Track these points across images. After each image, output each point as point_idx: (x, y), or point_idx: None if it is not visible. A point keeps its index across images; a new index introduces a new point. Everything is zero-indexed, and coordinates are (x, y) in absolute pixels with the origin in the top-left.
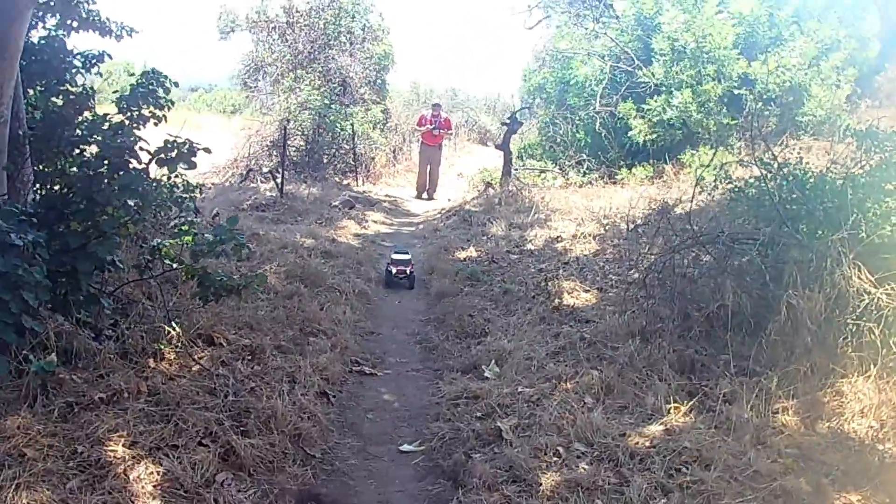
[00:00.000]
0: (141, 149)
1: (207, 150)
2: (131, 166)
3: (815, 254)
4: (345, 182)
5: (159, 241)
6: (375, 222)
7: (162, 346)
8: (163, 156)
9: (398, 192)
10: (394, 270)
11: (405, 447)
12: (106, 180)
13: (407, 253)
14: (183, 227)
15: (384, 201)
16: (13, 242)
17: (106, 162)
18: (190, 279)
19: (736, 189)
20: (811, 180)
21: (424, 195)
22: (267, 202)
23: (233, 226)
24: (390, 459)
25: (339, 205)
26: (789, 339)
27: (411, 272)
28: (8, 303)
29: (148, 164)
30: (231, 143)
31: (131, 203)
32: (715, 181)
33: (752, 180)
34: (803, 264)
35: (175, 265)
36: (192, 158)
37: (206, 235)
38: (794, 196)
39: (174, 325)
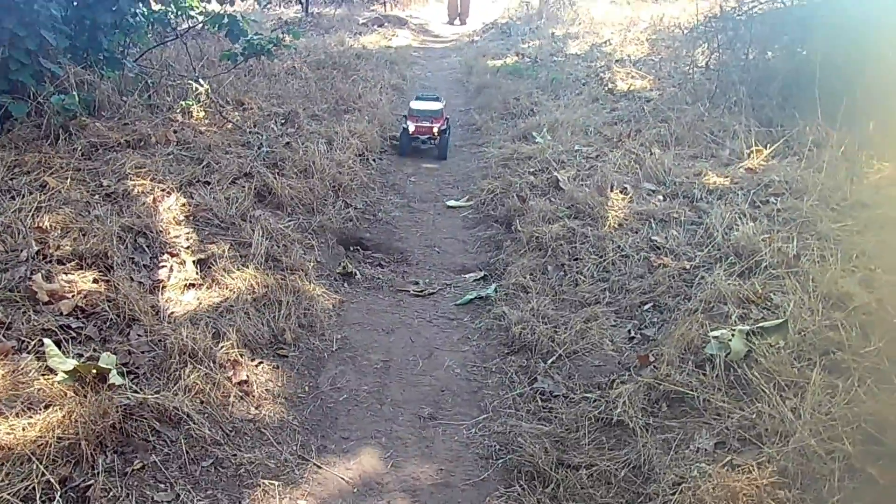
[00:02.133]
0: None
1: None
2: None
3: None
4: (372, 7)
5: None
6: (406, 38)
7: (191, 103)
8: None
9: (429, 16)
10: (412, 128)
11: (452, 202)
12: None
13: (438, 100)
14: None
15: (414, 22)
16: None
17: None
18: (217, 31)
19: None
20: None
21: (456, 21)
22: (291, 21)
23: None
24: (436, 213)
25: (367, 22)
26: (880, 97)
27: (443, 130)
28: (24, 39)
29: None
30: None
31: None
32: None
33: None
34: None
35: (201, 18)
36: None
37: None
38: None
39: (202, 82)
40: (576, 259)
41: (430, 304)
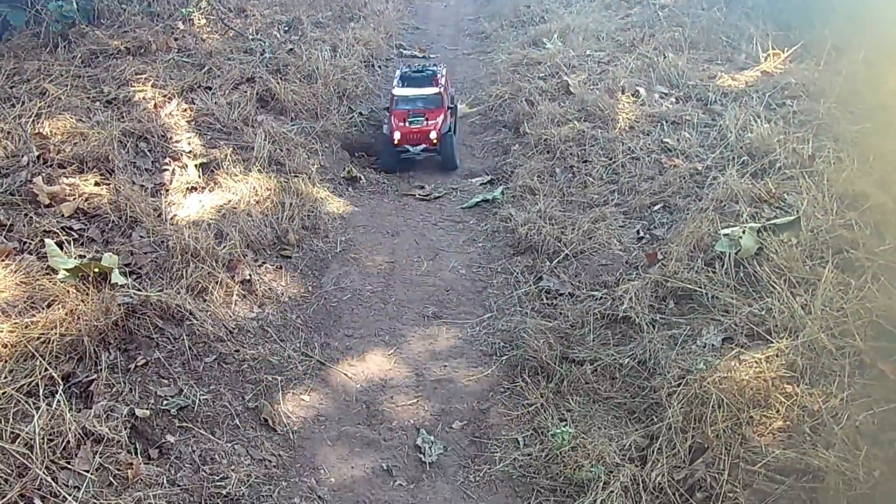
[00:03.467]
0: None
1: None
2: None
3: None
4: None
5: None
6: None
7: (192, 11)
8: None
9: None
10: (396, 136)
11: (459, 108)
12: None
13: (434, 75)
14: None
15: None
16: None
17: None
18: None
19: None
20: None
21: None
22: None
23: None
24: None
25: None
26: None
27: (445, 131)
28: None
29: None
30: None
31: None
32: None
33: None
34: None
35: None
36: None
37: None
38: None
39: None
40: (585, 161)
41: (435, 208)
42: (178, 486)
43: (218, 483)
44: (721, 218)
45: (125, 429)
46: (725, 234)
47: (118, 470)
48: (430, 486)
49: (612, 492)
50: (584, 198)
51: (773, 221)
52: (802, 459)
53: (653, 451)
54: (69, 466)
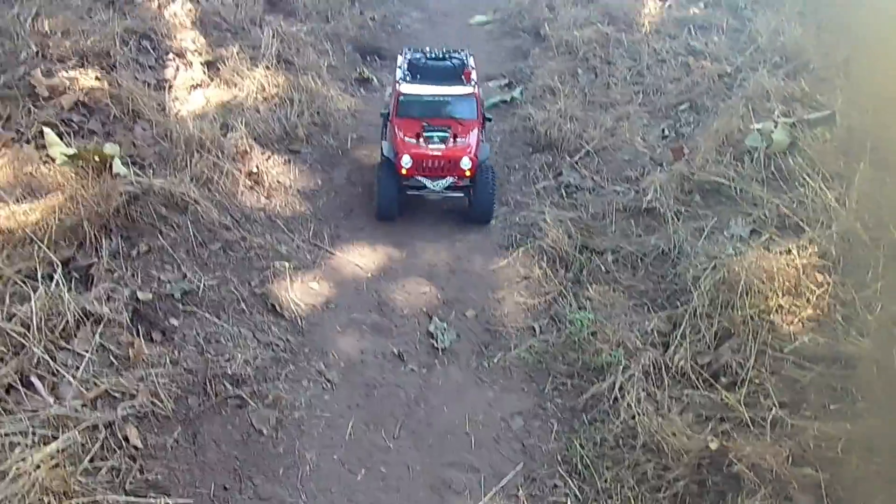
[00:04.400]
0: None
1: None
2: None
3: None
4: None
5: None
6: None
7: None
8: None
9: None
10: (406, 164)
11: (475, 19)
12: None
13: (462, 58)
14: None
15: None
16: None
17: None
18: None
19: None
20: None
21: None
22: None
23: None
24: (460, 28)
25: None
26: None
27: (483, 151)
28: None
29: None
30: None
31: None
32: None
33: None
34: None
35: None
36: None
37: None
38: None
39: None
40: (608, 63)
41: None
42: (182, 366)
43: (223, 364)
44: (752, 115)
45: (127, 311)
46: (757, 129)
47: (119, 350)
48: (442, 371)
49: (632, 375)
50: (606, 98)
51: (807, 117)
52: (834, 347)
53: (676, 337)
54: (68, 346)
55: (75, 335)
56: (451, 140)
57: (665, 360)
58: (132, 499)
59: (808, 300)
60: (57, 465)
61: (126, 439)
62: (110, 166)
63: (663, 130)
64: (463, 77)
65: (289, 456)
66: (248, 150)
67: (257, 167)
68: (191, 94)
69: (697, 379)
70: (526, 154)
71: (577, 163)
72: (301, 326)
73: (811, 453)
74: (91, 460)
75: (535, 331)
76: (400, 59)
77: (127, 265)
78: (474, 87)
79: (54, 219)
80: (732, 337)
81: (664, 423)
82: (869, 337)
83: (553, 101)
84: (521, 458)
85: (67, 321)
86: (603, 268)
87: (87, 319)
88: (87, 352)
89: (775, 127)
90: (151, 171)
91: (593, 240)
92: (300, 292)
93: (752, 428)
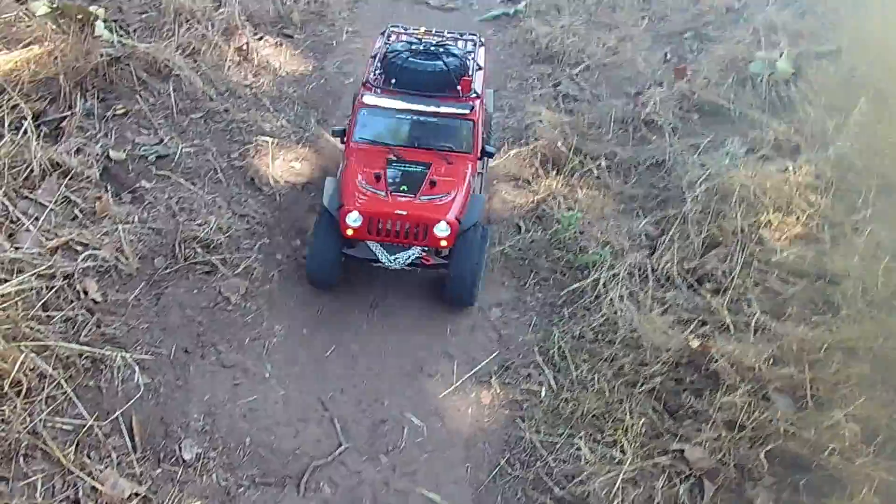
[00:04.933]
0: None
1: None
2: None
3: None
4: None
5: None
6: None
7: None
8: None
9: None
10: (353, 224)
11: None
12: None
13: (461, 54)
14: None
15: None
16: None
17: None
18: None
19: None
20: None
21: None
22: None
23: None
24: None
25: None
26: None
27: (475, 212)
28: None
29: None
30: None
31: None
32: None
33: None
34: None
35: None
36: None
37: None
38: None
39: None
40: None
41: (451, 19)
42: (151, 227)
43: (194, 228)
44: (759, 44)
45: (97, 166)
46: (761, 57)
47: (85, 204)
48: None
49: (616, 273)
50: (611, 20)
51: (814, 50)
52: (820, 263)
53: (664, 241)
54: (30, 196)
55: (39, 186)
56: (427, 187)
57: (651, 262)
58: (86, 348)
59: (797, 218)
60: (6, 307)
61: (85, 292)
62: (93, 27)
63: (665, 54)
64: (459, 87)
65: (256, 327)
66: (240, 26)
67: (247, 44)
68: None
69: (682, 282)
70: (525, 65)
71: (576, 75)
72: (279, 202)
73: (792, 356)
74: (45, 308)
75: (520, 229)
76: (377, 44)
77: (101, 125)
78: (474, 104)
79: (28, 71)
80: (720, 245)
81: (645, 321)
82: (856, 257)
83: (557, 17)
84: (497, 347)
85: (32, 170)
86: (595, 172)
87: (54, 171)
88: (50, 202)
89: (780, 56)
90: (136, 36)
91: (588, 145)
92: (281, 170)
93: (733, 331)
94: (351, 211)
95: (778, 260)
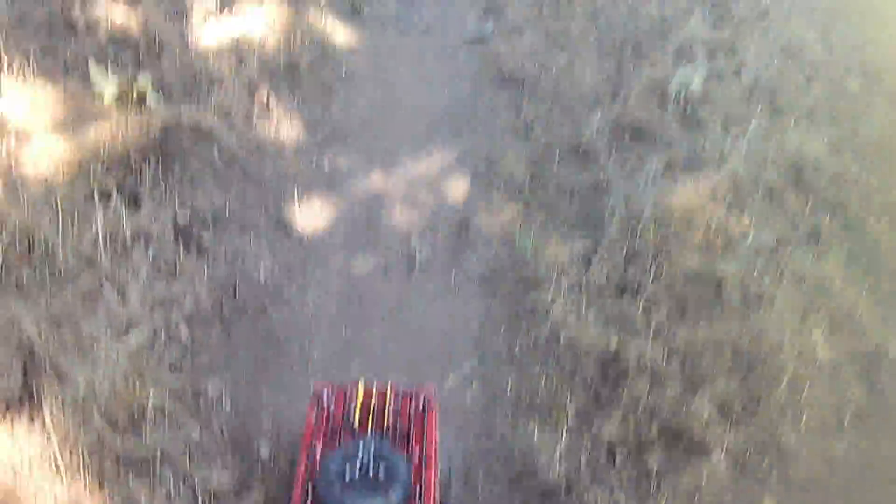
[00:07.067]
0: None
1: None
2: None
3: None
4: None
5: None
6: None
7: None
8: None
9: None
10: None
11: None
12: None
13: (393, 465)
14: None
15: None
16: None
17: None
18: None
19: None
20: None
21: None
22: None
23: None
24: None
25: None
26: None
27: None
28: None
29: None
30: None
31: None
32: None
33: None
34: None
35: None
36: None
37: None
38: None
39: None
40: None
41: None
42: (214, 279)
43: (247, 276)
44: (679, 61)
45: (171, 230)
46: (680, 73)
47: (166, 265)
48: (419, 280)
49: (560, 288)
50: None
51: (723, 64)
52: (713, 269)
53: (597, 259)
54: (126, 262)
55: (131, 251)
56: None
57: (587, 276)
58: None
59: (698, 230)
60: (135, 357)
61: (178, 338)
62: (145, 98)
63: (606, 70)
64: None
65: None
66: (261, 82)
67: (267, 99)
68: (206, 21)
69: (610, 294)
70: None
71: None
72: (306, 243)
73: (682, 351)
74: (157, 354)
75: (492, 246)
76: (308, 427)
77: (165, 190)
78: None
79: (104, 150)
80: (639, 258)
81: (580, 328)
82: (739, 261)
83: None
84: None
85: (125, 239)
86: (546, 198)
87: (140, 237)
88: (142, 265)
89: (695, 72)
90: (177, 101)
91: (543, 172)
92: (306, 214)
93: (641, 333)
94: None
95: (683, 269)
